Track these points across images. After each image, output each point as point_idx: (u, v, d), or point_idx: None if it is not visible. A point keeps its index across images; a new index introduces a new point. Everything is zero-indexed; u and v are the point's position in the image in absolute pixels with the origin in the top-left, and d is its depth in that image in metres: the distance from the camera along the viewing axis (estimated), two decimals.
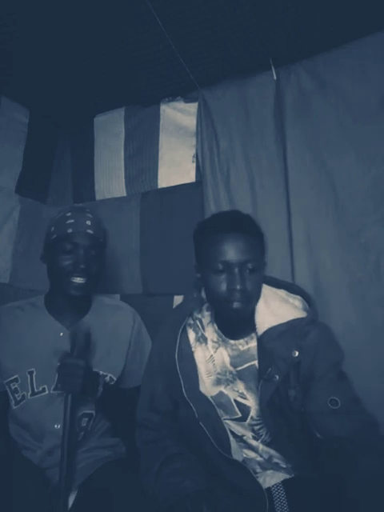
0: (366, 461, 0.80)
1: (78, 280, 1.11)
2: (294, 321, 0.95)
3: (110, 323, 1.23)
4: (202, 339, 1.07)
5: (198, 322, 1.10)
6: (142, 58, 1.43)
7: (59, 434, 1.02)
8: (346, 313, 1.24)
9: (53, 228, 1.19)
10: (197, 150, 1.61)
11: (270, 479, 0.97)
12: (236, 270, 0.92)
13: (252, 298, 0.97)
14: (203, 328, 1.09)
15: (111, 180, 1.82)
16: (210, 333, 1.07)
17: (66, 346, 1.07)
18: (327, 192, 1.32)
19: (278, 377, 0.91)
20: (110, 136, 1.83)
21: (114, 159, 1.81)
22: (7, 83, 1.60)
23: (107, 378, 1.16)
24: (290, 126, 1.38)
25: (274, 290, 1.05)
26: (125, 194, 1.79)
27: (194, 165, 1.63)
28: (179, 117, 1.67)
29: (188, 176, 1.64)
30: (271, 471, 0.99)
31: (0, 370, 1.14)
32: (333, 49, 1.33)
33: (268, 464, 1.00)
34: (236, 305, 0.93)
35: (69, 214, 1.18)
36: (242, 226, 0.97)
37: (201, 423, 0.97)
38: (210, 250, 0.96)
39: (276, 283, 1.08)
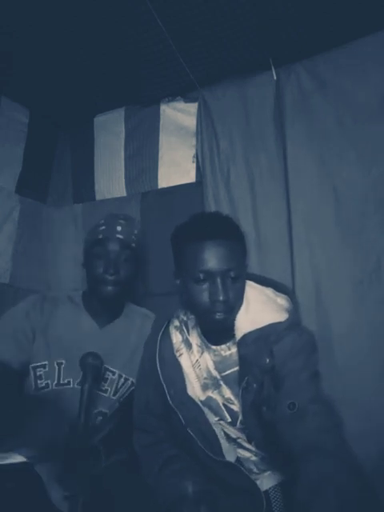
0: (315, 466, 0.73)
1: (109, 283, 1.16)
2: (269, 326, 0.91)
3: (137, 330, 1.26)
4: (187, 343, 1.05)
5: (184, 326, 1.08)
6: (142, 57, 1.43)
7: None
8: (346, 313, 1.24)
9: (87, 236, 1.27)
10: (197, 150, 1.61)
11: (267, 481, 0.96)
12: (218, 280, 0.88)
13: (235, 307, 0.93)
14: (188, 331, 1.06)
15: (111, 180, 1.82)
16: (195, 337, 1.05)
17: (96, 344, 1.11)
18: (327, 192, 1.32)
19: (255, 385, 0.88)
20: (110, 136, 1.83)
21: (114, 159, 1.81)
22: (7, 83, 1.60)
23: (129, 382, 1.19)
24: (290, 126, 1.38)
25: (260, 288, 1.01)
26: (125, 194, 1.78)
27: (194, 165, 1.63)
28: (179, 117, 1.67)
29: (188, 176, 1.64)
30: (269, 473, 0.98)
31: (30, 352, 1.15)
32: (333, 49, 1.33)
33: (264, 463, 0.98)
34: (219, 316, 0.90)
35: (102, 221, 1.24)
36: (223, 231, 0.92)
37: (188, 429, 0.95)
38: (190, 257, 0.91)
39: (264, 281, 1.04)
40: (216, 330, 0.99)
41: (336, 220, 1.29)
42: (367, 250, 1.23)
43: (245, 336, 0.91)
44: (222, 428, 1.00)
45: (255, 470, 0.99)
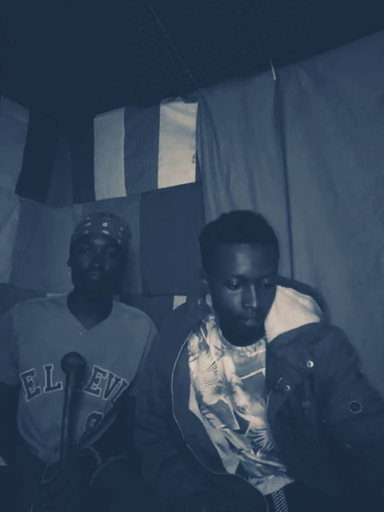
0: None
1: (94, 277, 1.14)
2: (305, 326, 0.88)
3: (127, 329, 1.25)
4: (204, 346, 1.02)
5: (202, 328, 1.04)
6: (142, 58, 1.43)
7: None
8: (345, 313, 1.24)
9: (73, 232, 1.26)
10: (197, 150, 1.61)
11: (271, 486, 0.95)
12: (252, 287, 0.84)
13: (266, 312, 0.91)
14: (206, 333, 1.03)
15: (111, 180, 1.82)
16: (214, 339, 1.01)
17: (83, 346, 1.11)
18: (327, 192, 1.32)
19: (289, 387, 0.85)
20: (110, 136, 1.83)
21: (113, 159, 1.82)
22: (7, 83, 1.60)
23: (121, 382, 1.18)
24: (290, 126, 1.38)
25: (282, 289, 0.97)
26: (125, 194, 1.79)
27: (194, 165, 1.63)
28: (179, 117, 1.67)
29: (188, 176, 1.64)
30: (272, 477, 0.97)
31: (18, 362, 1.16)
32: (333, 49, 1.33)
33: (268, 468, 0.98)
34: (250, 322, 0.86)
35: (88, 218, 1.24)
36: (260, 234, 0.87)
37: (188, 446, 0.94)
38: (223, 260, 0.86)
39: (284, 282, 1.00)
40: (244, 335, 0.96)
41: (336, 220, 1.29)
42: (367, 250, 1.23)
43: (279, 337, 0.89)
44: (225, 436, 0.99)
45: (258, 474, 0.98)
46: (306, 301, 0.97)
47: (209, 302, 1.03)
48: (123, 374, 1.19)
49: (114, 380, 1.17)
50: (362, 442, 0.80)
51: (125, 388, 1.19)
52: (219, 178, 1.53)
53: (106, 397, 1.15)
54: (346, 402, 0.82)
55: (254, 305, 0.83)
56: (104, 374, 1.16)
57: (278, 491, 0.94)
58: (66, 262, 1.24)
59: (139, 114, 1.76)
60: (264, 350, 0.94)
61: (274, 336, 0.89)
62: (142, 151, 1.75)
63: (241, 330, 0.91)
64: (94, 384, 1.15)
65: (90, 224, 1.20)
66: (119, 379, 1.18)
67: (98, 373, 1.16)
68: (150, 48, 1.38)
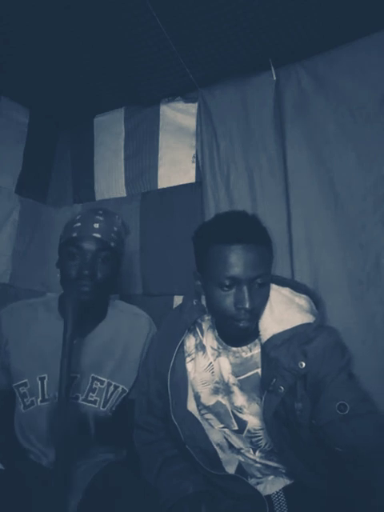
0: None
1: (84, 288, 1.04)
2: (299, 326, 0.88)
3: (125, 331, 1.17)
4: (200, 347, 1.01)
5: (198, 328, 1.03)
6: (142, 58, 1.43)
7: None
8: (345, 313, 1.23)
9: (62, 232, 1.15)
10: (196, 150, 1.61)
11: (270, 486, 0.95)
12: (245, 288, 0.83)
13: (260, 313, 0.90)
14: (202, 333, 1.03)
15: (111, 180, 1.82)
16: (210, 340, 1.01)
17: (79, 355, 1.03)
18: (327, 192, 1.32)
19: (283, 388, 0.85)
20: (110, 136, 1.83)
21: (113, 159, 1.82)
22: (7, 83, 1.60)
23: (119, 390, 1.13)
24: (290, 126, 1.38)
25: (278, 289, 0.97)
26: (125, 194, 1.79)
27: (194, 165, 1.63)
28: (179, 117, 1.67)
29: (188, 176, 1.64)
30: (272, 477, 0.97)
31: (9, 371, 1.10)
32: (333, 49, 1.33)
33: (267, 469, 0.97)
34: (243, 324, 0.86)
35: (78, 217, 1.13)
36: (253, 235, 0.86)
37: (187, 446, 0.93)
38: (215, 261, 0.85)
39: (281, 281, 1.00)
40: (238, 336, 0.96)
41: (336, 220, 1.29)
42: (366, 250, 1.23)
43: (273, 337, 0.88)
44: (224, 436, 0.98)
45: (258, 474, 0.98)
46: (302, 300, 0.97)
47: (204, 302, 1.02)
48: (122, 380, 1.13)
49: (112, 388, 1.12)
50: (350, 443, 0.79)
51: (124, 394, 1.14)
52: (219, 178, 1.53)
53: (104, 407, 1.10)
54: (333, 403, 0.81)
55: (247, 306, 0.83)
56: (102, 382, 1.11)
57: (277, 492, 0.94)
58: (55, 264, 1.13)
59: (139, 114, 1.76)
60: (259, 350, 0.94)
61: (268, 336, 0.89)
62: (142, 151, 1.75)
63: (234, 331, 0.91)
64: (91, 394, 1.10)
65: (79, 225, 1.08)
66: (118, 386, 1.13)
67: (96, 382, 1.10)
68: (150, 48, 1.38)
